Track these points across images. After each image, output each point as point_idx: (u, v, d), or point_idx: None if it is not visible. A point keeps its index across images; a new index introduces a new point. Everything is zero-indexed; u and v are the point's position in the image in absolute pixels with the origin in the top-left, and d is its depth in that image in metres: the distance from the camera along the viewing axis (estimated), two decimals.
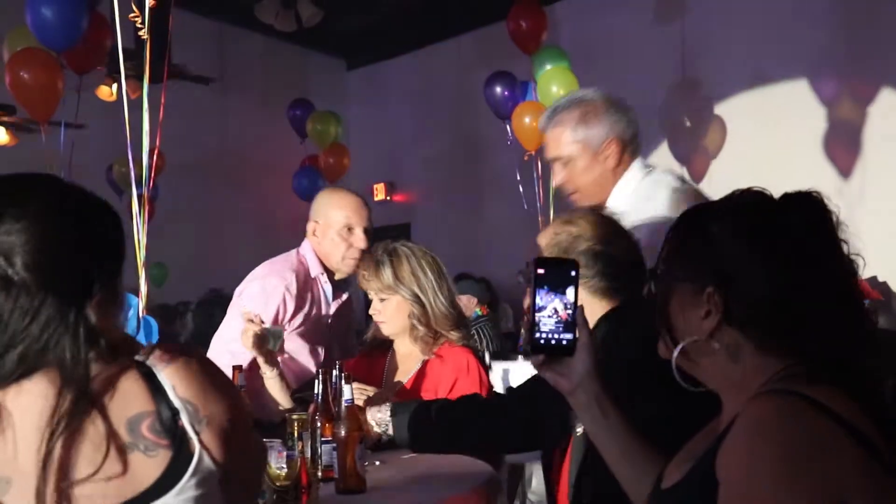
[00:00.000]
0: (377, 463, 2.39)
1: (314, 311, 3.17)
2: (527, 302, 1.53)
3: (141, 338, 2.80)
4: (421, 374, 2.84)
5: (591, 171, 2.64)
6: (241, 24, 8.80)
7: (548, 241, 2.08)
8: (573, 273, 1.50)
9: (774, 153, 6.51)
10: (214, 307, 5.02)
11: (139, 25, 3.73)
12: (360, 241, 3.14)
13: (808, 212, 1.34)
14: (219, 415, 1.23)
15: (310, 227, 3.24)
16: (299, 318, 3.14)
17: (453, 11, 8.53)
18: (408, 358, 2.88)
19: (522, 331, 1.57)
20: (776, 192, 1.40)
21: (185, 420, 1.20)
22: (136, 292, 3.46)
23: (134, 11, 3.82)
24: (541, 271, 1.50)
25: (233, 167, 9.03)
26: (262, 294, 3.08)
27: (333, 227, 3.17)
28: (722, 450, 1.22)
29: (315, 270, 3.21)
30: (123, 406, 1.20)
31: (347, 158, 8.42)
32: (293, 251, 3.28)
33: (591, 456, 1.78)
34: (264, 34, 8.60)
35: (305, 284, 3.17)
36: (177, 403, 1.20)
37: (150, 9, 3.67)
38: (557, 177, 2.69)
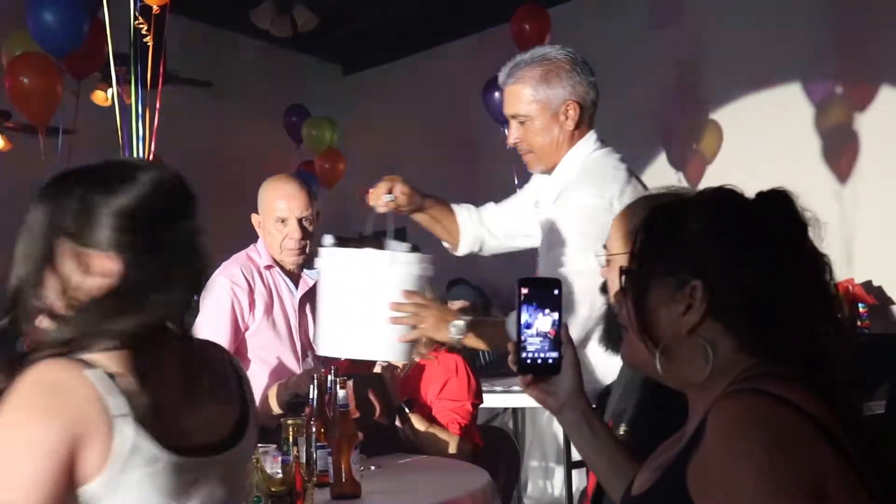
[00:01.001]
0: (372, 468, 2.39)
1: (276, 303, 3.07)
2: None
3: None
4: (415, 374, 2.85)
5: (548, 132, 2.58)
6: (237, 30, 8.79)
7: (627, 230, 1.91)
8: (557, 292, 1.52)
9: (770, 158, 6.50)
10: None
11: (144, 32, 3.73)
12: (294, 230, 3.04)
13: (781, 208, 1.35)
14: None
15: (254, 219, 3.18)
16: (260, 310, 3.07)
17: (449, 17, 8.53)
18: (400, 363, 2.89)
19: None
20: None
21: None
22: None
23: (131, 17, 3.83)
24: (525, 291, 1.51)
25: (228, 172, 9.01)
26: (212, 296, 3.00)
27: (269, 217, 3.09)
28: (697, 458, 1.21)
29: (265, 262, 3.13)
30: None
31: (343, 164, 8.42)
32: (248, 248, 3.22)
33: None
34: (260, 39, 8.59)
35: (257, 277, 3.09)
36: None
37: (154, 15, 3.68)
38: (512, 135, 2.63)
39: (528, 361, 1.51)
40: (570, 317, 2.36)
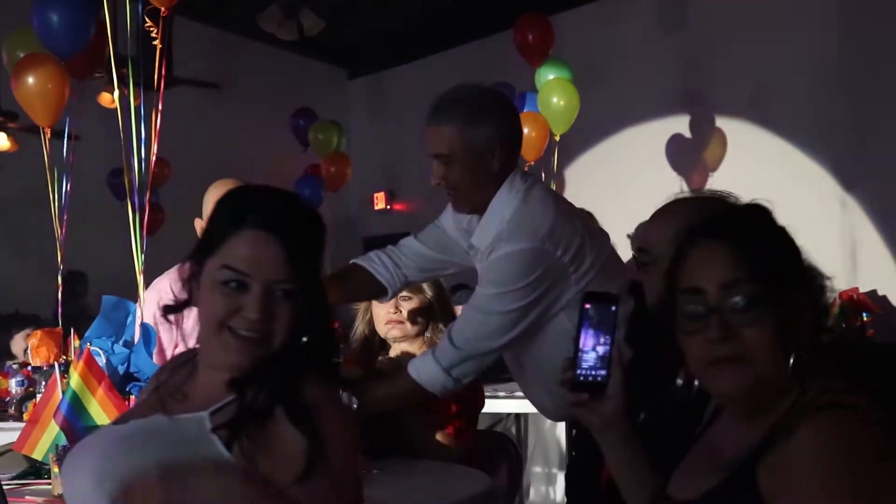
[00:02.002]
0: (374, 472, 2.39)
1: None
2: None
3: (140, 344, 2.80)
4: None
5: (472, 172, 2.53)
6: (243, 33, 8.81)
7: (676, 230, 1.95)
8: (614, 309, 1.48)
9: (775, 166, 6.51)
10: None
11: (154, 35, 3.73)
12: None
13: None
14: None
15: (197, 224, 3.09)
16: (190, 325, 3.06)
17: (454, 22, 8.54)
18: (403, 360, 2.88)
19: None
20: (779, 206, 1.42)
21: None
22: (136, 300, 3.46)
23: (127, 18, 3.84)
24: (587, 306, 1.48)
25: (235, 175, 9.01)
26: (147, 307, 3.00)
27: None
28: (778, 462, 1.23)
29: None
30: None
31: (349, 167, 8.42)
32: None
33: None
34: (266, 43, 8.61)
35: (117, 310, 2.99)
36: None
37: (162, 17, 3.68)
38: (435, 174, 2.59)
39: (581, 378, 1.49)
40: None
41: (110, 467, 1.44)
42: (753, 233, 1.37)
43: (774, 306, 1.30)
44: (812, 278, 1.36)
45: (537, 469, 5.64)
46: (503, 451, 3.09)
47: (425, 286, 2.89)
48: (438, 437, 2.76)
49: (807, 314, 1.33)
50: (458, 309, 4.45)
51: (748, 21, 6.87)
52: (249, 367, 1.49)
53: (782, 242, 1.37)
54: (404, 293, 2.86)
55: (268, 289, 1.49)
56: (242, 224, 1.52)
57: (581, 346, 1.48)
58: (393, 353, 2.96)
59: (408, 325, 2.87)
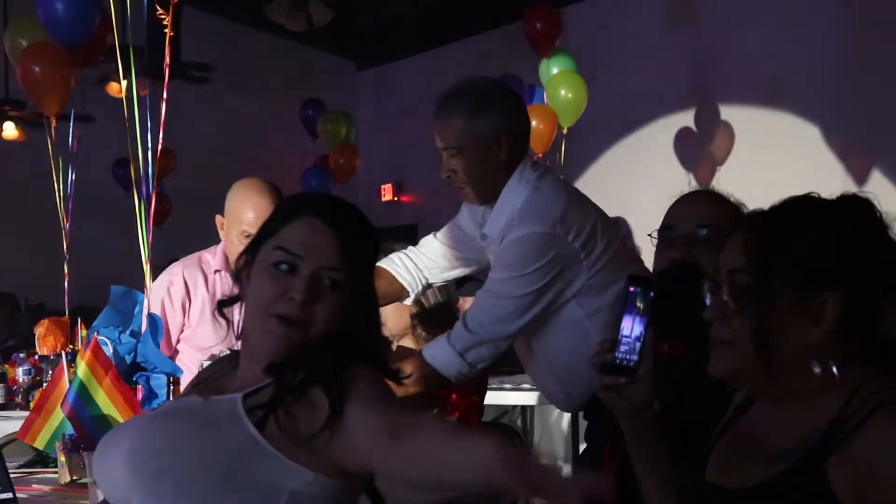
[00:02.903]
0: None
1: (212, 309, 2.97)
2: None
3: (147, 334, 2.80)
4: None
5: (480, 164, 2.55)
6: (252, 24, 8.81)
7: (701, 215, 1.98)
8: (652, 294, 1.49)
9: (782, 160, 6.49)
10: None
11: (165, 23, 3.73)
12: None
13: (869, 212, 1.40)
14: None
15: (218, 220, 3.08)
16: (196, 314, 3.04)
17: (463, 13, 8.52)
18: (401, 360, 2.88)
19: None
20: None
21: None
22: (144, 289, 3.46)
23: (139, 7, 3.83)
24: (632, 289, 1.49)
25: (243, 166, 9.01)
26: (156, 291, 2.98)
27: (234, 226, 2.97)
28: (853, 457, 1.25)
29: (216, 265, 3.06)
30: None
31: (358, 159, 8.41)
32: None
33: None
34: (275, 34, 8.60)
35: (200, 281, 3.05)
36: None
37: (173, 5, 3.68)
38: (445, 168, 2.61)
39: (617, 362, 1.49)
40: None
41: (141, 441, 1.47)
42: (780, 226, 1.38)
43: (761, 304, 1.33)
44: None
45: (543, 461, 5.64)
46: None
47: None
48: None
49: (803, 320, 1.33)
50: (467, 301, 4.44)
51: (756, 13, 6.85)
52: (287, 353, 1.49)
53: (821, 244, 1.35)
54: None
55: (316, 274, 1.50)
56: (301, 213, 1.55)
57: (622, 328, 1.48)
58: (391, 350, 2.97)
59: (388, 325, 2.86)
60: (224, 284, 3.07)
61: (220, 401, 1.51)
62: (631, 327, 1.48)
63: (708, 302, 1.40)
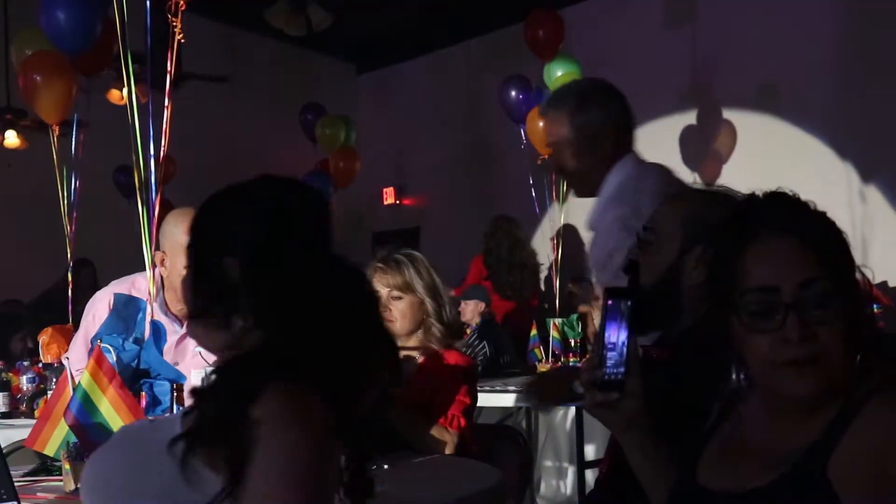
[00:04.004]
0: (385, 466, 2.39)
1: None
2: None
3: (150, 341, 2.80)
4: (421, 374, 2.84)
5: (585, 157, 2.62)
6: (251, 29, 8.82)
7: (687, 213, 1.91)
8: (630, 303, 1.45)
9: (786, 158, 6.49)
10: None
11: (176, 30, 3.73)
12: None
13: None
14: None
15: (157, 256, 2.94)
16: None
17: (463, 16, 8.53)
18: (404, 359, 2.89)
19: (583, 366, 1.52)
20: None
21: None
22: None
23: (139, 15, 3.83)
24: (610, 302, 1.45)
25: (244, 172, 9.00)
26: (89, 307, 2.94)
27: (180, 258, 2.76)
28: (851, 454, 1.25)
29: (144, 296, 2.97)
30: None
31: (358, 163, 8.39)
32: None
33: None
34: (274, 38, 8.61)
35: (128, 307, 2.97)
36: None
37: (182, 11, 3.68)
38: (552, 162, 2.71)
39: (607, 378, 1.45)
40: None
41: (93, 469, 1.48)
42: (819, 225, 1.36)
43: (846, 304, 1.30)
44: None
45: (547, 463, 5.64)
46: (513, 445, 3.09)
47: (418, 285, 2.88)
48: (433, 432, 2.76)
49: (868, 308, 1.35)
50: (469, 305, 4.45)
51: (757, 11, 6.85)
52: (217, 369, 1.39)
53: (840, 234, 1.36)
54: (395, 293, 2.87)
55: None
56: None
57: (606, 342, 1.44)
58: None
59: (399, 323, 2.87)
60: (156, 312, 2.95)
61: (163, 422, 1.48)
62: (615, 340, 1.44)
63: (772, 322, 1.31)
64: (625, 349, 1.45)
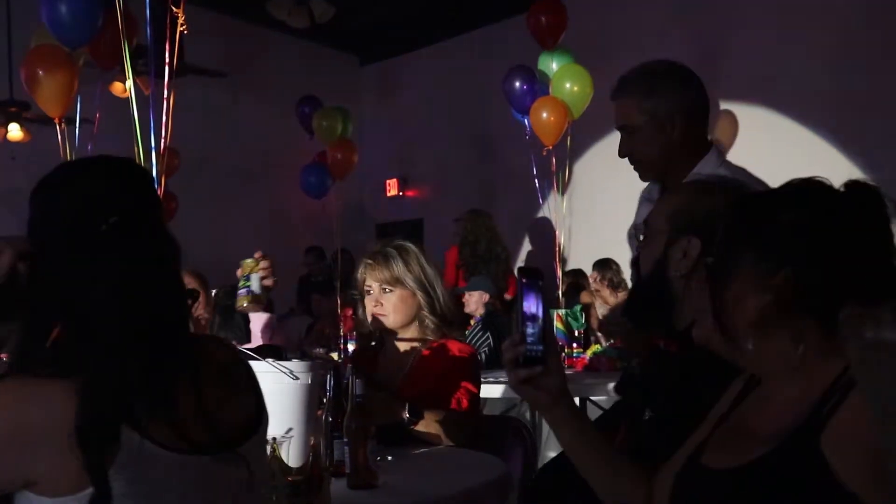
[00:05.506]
0: (389, 458, 2.40)
1: None
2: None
3: None
4: (419, 364, 2.85)
5: (655, 142, 2.59)
6: (254, 21, 8.81)
7: (674, 208, 1.92)
8: (541, 283, 1.49)
9: (786, 149, 6.48)
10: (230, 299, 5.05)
11: (180, 21, 3.74)
12: None
13: (871, 201, 1.39)
14: None
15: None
16: None
17: (466, 7, 8.52)
18: (403, 352, 2.89)
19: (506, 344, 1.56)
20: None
21: None
22: None
23: (122, 4, 3.84)
24: (524, 280, 1.49)
25: (245, 164, 9.05)
26: None
27: None
28: (841, 428, 1.25)
29: None
30: None
31: (355, 154, 8.35)
32: None
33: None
34: (277, 30, 8.60)
35: None
36: None
37: (184, 1, 3.68)
38: (622, 147, 2.65)
39: (529, 354, 1.48)
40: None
41: None
42: (744, 211, 1.42)
43: (723, 279, 1.37)
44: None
45: (552, 454, 5.64)
46: (517, 436, 3.09)
47: (407, 278, 2.89)
48: (443, 419, 2.76)
49: (760, 297, 1.35)
50: (472, 295, 4.44)
51: (758, 4, 6.84)
52: None
53: (776, 224, 1.37)
54: (385, 286, 2.87)
55: None
56: None
57: (525, 320, 1.48)
58: (389, 342, 2.97)
59: (391, 317, 2.88)
60: None
61: None
62: (533, 316, 1.48)
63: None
64: (542, 324, 1.49)
